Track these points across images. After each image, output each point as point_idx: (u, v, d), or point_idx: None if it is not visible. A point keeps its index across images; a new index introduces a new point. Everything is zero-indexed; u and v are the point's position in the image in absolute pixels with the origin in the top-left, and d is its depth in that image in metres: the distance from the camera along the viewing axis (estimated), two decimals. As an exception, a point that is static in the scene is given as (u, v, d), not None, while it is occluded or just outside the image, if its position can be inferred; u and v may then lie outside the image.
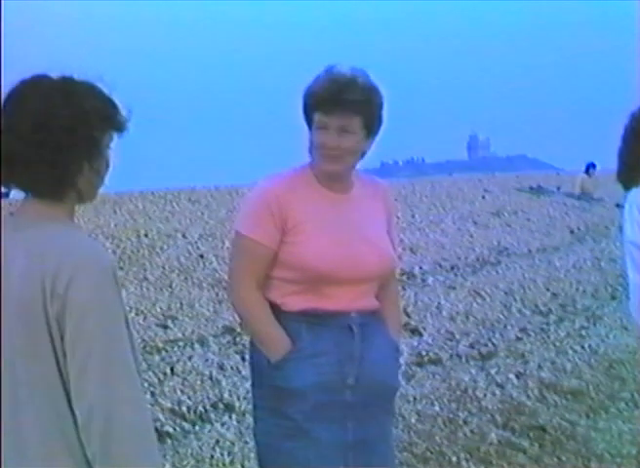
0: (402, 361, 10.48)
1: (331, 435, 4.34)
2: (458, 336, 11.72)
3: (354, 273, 4.41)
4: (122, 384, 2.98)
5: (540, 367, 10.46)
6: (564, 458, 7.69)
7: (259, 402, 4.52)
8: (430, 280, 15.09)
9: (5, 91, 3.10)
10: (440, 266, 16.13)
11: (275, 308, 4.45)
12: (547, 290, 15.07)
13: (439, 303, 13.48)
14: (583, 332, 12.31)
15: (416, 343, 11.28)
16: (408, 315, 12.61)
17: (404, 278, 15.22)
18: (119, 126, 3.21)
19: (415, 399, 9.08)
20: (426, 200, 24.32)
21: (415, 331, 11.81)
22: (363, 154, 4.53)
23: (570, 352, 11.15)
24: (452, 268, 16.17)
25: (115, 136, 3.21)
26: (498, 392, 9.43)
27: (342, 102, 4.33)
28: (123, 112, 3.22)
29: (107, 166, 3.24)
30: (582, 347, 11.40)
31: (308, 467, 4.32)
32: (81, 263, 3.01)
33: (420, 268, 15.84)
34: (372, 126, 4.46)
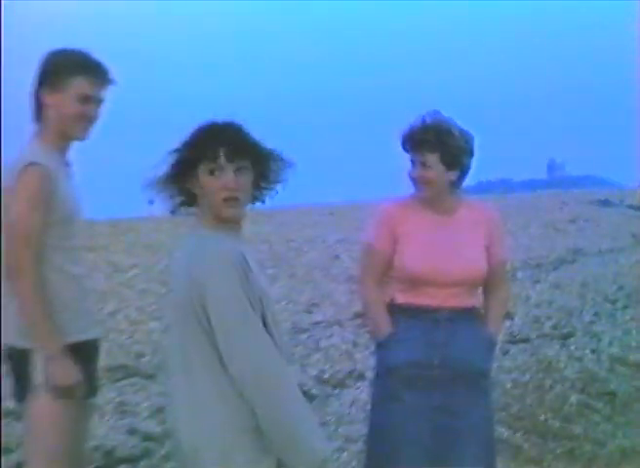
0: (499, 339, 10.44)
1: (418, 400, 4.43)
2: (542, 320, 11.58)
3: (440, 277, 4.50)
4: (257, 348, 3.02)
5: (610, 344, 10.31)
6: (632, 416, 7.60)
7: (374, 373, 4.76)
8: (520, 275, 14.94)
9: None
10: (527, 264, 15.96)
11: (388, 301, 4.62)
12: (614, 282, 14.84)
13: (527, 293, 13.36)
14: (645, 317, 12.12)
15: (509, 325, 11.18)
16: (502, 303, 12.53)
17: (499, 273, 15.12)
18: (207, 156, 3.20)
19: (509, 369, 9.02)
20: (515, 211, 24.08)
21: (508, 316, 11.71)
22: (452, 183, 4.58)
23: (634, 332, 10.95)
24: (537, 265, 16.00)
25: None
26: (576, 364, 9.30)
27: (417, 142, 4.53)
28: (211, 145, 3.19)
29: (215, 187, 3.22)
30: (645, 328, 11.23)
31: (397, 423, 4.45)
32: (215, 263, 3.07)
33: (512, 265, 15.68)
34: (449, 160, 4.50)
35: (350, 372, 8.90)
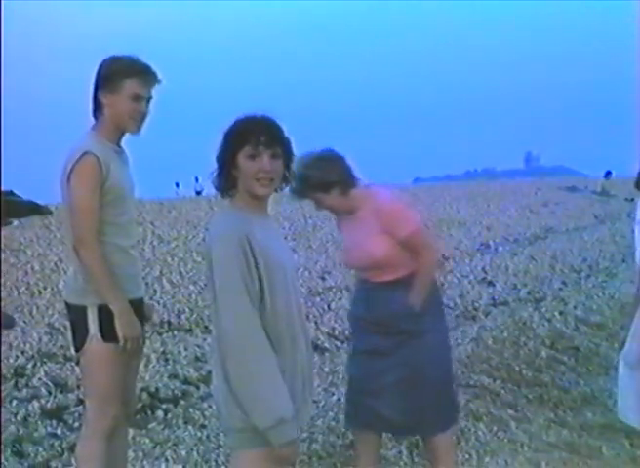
0: (482, 302, 10.45)
1: (359, 344, 4.64)
2: (519, 286, 11.59)
3: (350, 265, 4.85)
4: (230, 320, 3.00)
5: (575, 307, 10.29)
6: (592, 367, 7.59)
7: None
8: (500, 248, 14.95)
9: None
10: (507, 239, 15.95)
11: None
12: (579, 255, 14.83)
13: (506, 264, 13.35)
14: (604, 284, 12.09)
15: (491, 291, 11.20)
16: (485, 272, 12.53)
17: (482, 247, 15.11)
18: (249, 142, 3.16)
19: (490, 328, 9.01)
20: (497, 195, 24.09)
21: (490, 283, 11.72)
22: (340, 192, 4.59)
23: (595, 297, 10.95)
24: (515, 241, 16.01)
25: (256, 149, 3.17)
26: (546, 324, 9.29)
27: None
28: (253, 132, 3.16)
29: (252, 171, 3.18)
30: (604, 294, 11.20)
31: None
32: (217, 233, 3.07)
33: (494, 241, 15.70)
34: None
35: (356, 329, 8.93)
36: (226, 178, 3.16)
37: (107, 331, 3.97)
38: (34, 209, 16.24)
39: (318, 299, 10.05)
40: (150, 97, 4.13)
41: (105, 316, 3.96)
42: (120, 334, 3.94)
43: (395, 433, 5.12)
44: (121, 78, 4.01)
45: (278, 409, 2.96)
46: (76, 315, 4.06)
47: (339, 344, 8.31)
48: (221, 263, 2.98)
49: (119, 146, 4.16)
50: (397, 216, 4.54)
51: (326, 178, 4.45)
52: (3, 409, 6.24)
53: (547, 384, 7.10)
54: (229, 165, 3.14)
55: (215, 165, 3.19)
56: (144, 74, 4.06)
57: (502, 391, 6.87)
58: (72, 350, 4.31)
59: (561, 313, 9.91)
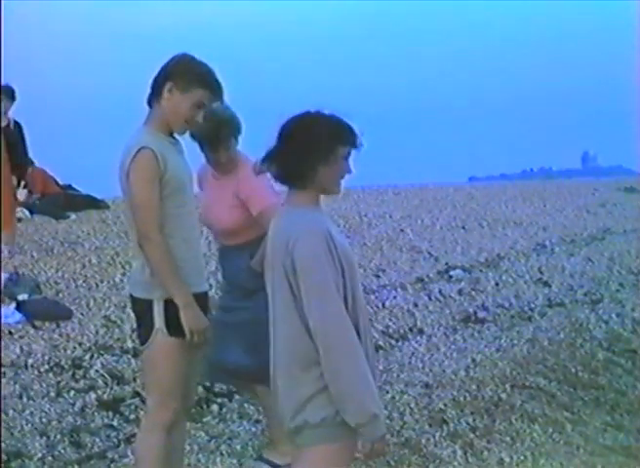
0: (538, 303, 10.37)
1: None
2: (575, 288, 11.44)
3: (205, 223, 5.09)
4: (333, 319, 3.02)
5: (632, 309, 10.17)
6: (650, 372, 7.52)
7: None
8: (557, 249, 14.79)
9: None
10: (563, 240, 15.77)
11: None
12: (637, 257, 14.62)
13: (563, 265, 13.22)
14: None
15: (546, 292, 11.10)
16: (541, 272, 12.42)
17: (538, 248, 14.98)
18: (346, 141, 3.18)
19: (546, 329, 8.94)
20: (554, 195, 23.84)
21: (546, 284, 11.61)
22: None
23: (655, 300, 10.80)
24: (571, 241, 15.79)
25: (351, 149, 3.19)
26: (603, 326, 9.19)
27: None
28: (348, 132, 3.18)
29: (344, 170, 3.21)
30: (663, 297, 11.06)
31: None
32: (302, 231, 3.05)
33: (550, 241, 15.55)
34: None
35: (411, 328, 8.91)
36: (307, 170, 3.15)
37: (173, 326, 4.02)
38: (91, 202, 16.43)
39: (372, 297, 10.03)
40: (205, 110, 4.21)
41: (171, 310, 4.02)
42: (186, 328, 3.99)
43: (240, 379, 5.30)
44: (196, 84, 4.07)
45: (371, 405, 3.03)
46: (142, 308, 4.12)
47: (393, 342, 8.31)
48: (311, 261, 3.00)
49: (173, 138, 4.20)
50: (256, 194, 4.77)
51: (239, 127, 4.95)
52: (61, 399, 6.36)
53: (604, 387, 7.04)
54: (319, 158, 3.13)
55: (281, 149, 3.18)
56: (216, 89, 4.15)
57: (558, 393, 6.83)
58: (129, 343, 4.39)
59: (618, 315, 9.79)
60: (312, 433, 3.09)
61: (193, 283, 4.13)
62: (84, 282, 9.96)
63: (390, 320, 9.16)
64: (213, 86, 4.12)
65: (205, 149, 4.92)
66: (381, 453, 3.21)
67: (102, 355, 7.34)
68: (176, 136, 4.21)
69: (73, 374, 6.90)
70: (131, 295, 4.26)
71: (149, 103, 4.17)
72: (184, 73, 4.08)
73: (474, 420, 6.15)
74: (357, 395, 3.00)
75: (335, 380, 3.00)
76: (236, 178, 4.85)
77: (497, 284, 11.40)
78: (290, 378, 3.11)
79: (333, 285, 3.01)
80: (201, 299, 4.16)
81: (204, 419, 6.03)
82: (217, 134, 4.79)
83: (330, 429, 3.06)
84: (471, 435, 5.87)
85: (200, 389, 6.50)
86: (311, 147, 3.12)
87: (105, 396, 6.45)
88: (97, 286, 9.82)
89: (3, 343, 7.52)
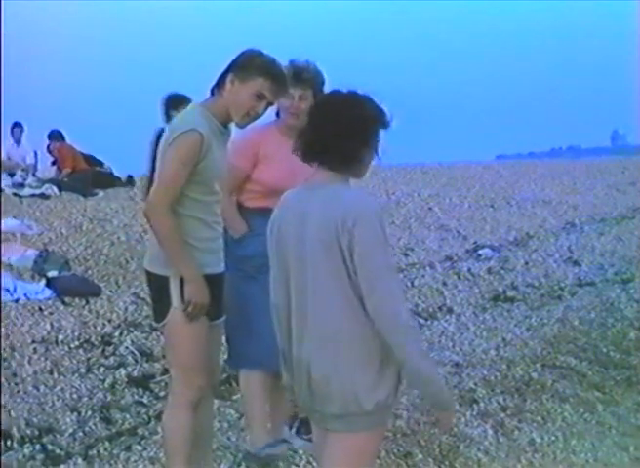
0: (568, 282, 10.31)
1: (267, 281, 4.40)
2: (606, 267, 11.38)
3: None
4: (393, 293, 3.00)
5: (663, 289, 10.10)
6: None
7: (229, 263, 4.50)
8: (586, 228, 14.72)
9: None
10: (593, 219, 15.70)
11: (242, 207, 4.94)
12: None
13: (592, 244, 13.14)
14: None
15: (576, 271, 11.03)
16: (571, 251, 12.34)
17: (568, 227, 14.90)
18: (386, 125, 3.15)
19: (577, 308, 8.88)
20: (583, 174, 23.74)
21: (575, 263, 11.54)
22: None
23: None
24: (601, 220, 15.72)
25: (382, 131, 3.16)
26: (635, 305, 9.11)
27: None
28: (388, 115, 3.14)
29: (376, 153, 3.18)
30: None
31: (254, 297, 4.61)
32: (363, 211, 3.01)
33: (579, 220, 15.47)
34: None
35: (440, 307, 8.90)
36: (351, 152, 3.10)
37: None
38: (119, 180, 16.52)
39: (401, 276, 10.01)
40: (271, 104, 4.20)
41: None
42: (186, 297, 3.98)
43: None
44: (255, 73, 4.04)
45: (443, 385, 3.22)
46: (158, 285, 4.10)
47: (422, 321, 8.28)
48: (375, 243, 2.99)
49: (225, 127, 4.18)
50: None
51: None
52: (91, 376, 6.40)
53: (636, 367, 6.97)
54: (365, 141, 3.11)
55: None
56: (277, 80, 4.11)
57: (589, 372, 6.77)
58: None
59: (650, 294, 9.71)
60: (364, 419, 3.04)
61: (209, 263, 4.12)
62: (113, 259, 10.01)
63: (419, 299, 9.14)
64: (273, 75, 4.07)
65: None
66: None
67: (132, 332, 7.38)
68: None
69: (103, 351, 6.94)
70: (146, 270, 4.24)
71: (212, 92, 4.17)
72: (245, 64, 4.07)
73: (505, 400, 6.11)
74: (433, 376, 3.07)
75: (417, 374, 3.02)
76: None
77: (526, 263, 11.36)
78: (338, 362, 3.05)
79: (394, 267, 3.06)
80: (216, 281, 4.16)
81: (233, 397, 6.02)
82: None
83: (377, 416, 3.05)
84: (502, 414, 5.83)
85: (228, 366, 6.51)
86: (358, 129, 3.09)
87: (135, 372, 6.48)
88: (126, 262, 9.87)
89: (34, 319, 7.58)
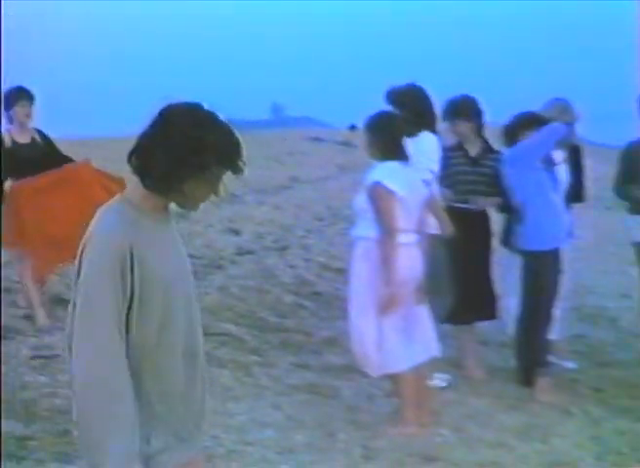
0: (228, 252, 10.54)
1: None
2: (265, 235, 11.78)
3: None
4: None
5: (318, 254, 10.63)
6: (333, 312, 7.80)
7: None
8: (247, 198, 15.12)
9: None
10: (252, 189, 16.16)
11: None
12: (323, 204, 15.27)
13: (252, 214, 13.52)
14: (345, 232, 12.50)
15: (236, 240, 11.30)
16: (231, 221, 12.61)
17: (229, 197, 15.22)
18: (234, 168, 2.73)
19: (236, 277, 9.10)
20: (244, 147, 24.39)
21: (236, 232, 11.82)
22: None
23: (337, 244, 11.27)
24: (261, 190, 16.23)
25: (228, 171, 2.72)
26: (291, 271, 9.54)
27: None
28: (242, 156, 2.75)
29: (211, 193, 2.75)
30: (345, 241, 11.58)
31: None
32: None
33: (241, 191, 15.89)
34: None
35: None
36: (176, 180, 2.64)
37: None
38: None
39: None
40: None
41: None
42: None
43: None
44: None
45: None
46: None
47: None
48: (88, 286, 2.57)
49: None
50: None
51: None
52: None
53: (291, 329, 7.31)
54: (194, 176, 2.66)
55: None
56: None
57: (248, 337, 6.99)
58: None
59: (305, 260, 10.18)
60: None
61: None
62: None
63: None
64: None
65: None
66: None
67: None
68: None
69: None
70: None
71: None
72: None
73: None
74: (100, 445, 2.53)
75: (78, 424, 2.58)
76: None
77: (189, 234, 11.48)
78: None
79: (106, 312, 2.59)
80: None
81: None
82: None
83: None
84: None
85: None
86: (189, 152, 2.61)
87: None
88: None
89: None
